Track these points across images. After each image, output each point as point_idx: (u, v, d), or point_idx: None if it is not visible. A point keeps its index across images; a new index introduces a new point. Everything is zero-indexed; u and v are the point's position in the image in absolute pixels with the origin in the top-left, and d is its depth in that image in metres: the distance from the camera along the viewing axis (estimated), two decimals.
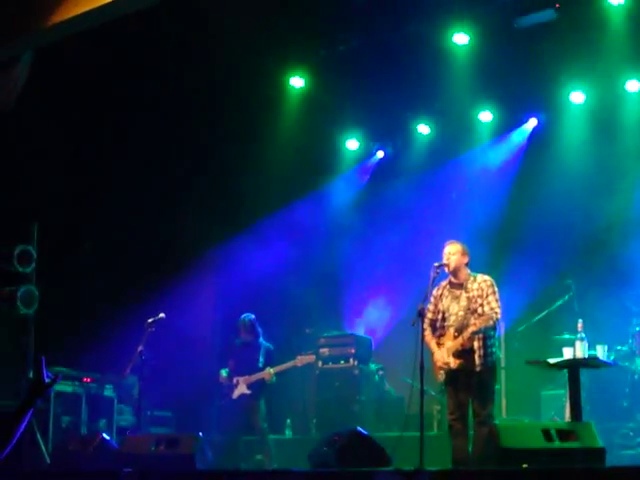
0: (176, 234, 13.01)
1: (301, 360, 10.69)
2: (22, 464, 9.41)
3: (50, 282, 10.64)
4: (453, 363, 8.20)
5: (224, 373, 10.79)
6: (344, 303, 13.84)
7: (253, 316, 10.88)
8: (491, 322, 8.14)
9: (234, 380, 10.67)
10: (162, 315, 10.09)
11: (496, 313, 8.20)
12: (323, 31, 11.58)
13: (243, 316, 10.89)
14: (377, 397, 12.26)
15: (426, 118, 13.56)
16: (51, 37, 9.67)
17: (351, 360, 12.16)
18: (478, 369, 8.15)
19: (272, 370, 10.57)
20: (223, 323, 13.20)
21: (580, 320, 8.92)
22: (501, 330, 11.22)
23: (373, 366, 12.41)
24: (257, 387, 10.61)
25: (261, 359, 10.70)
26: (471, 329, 8.12)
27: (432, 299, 8.50)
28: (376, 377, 12.36)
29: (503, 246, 12.22)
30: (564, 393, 10.30)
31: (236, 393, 10.63)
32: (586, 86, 12.31)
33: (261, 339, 10.86)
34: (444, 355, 8.25)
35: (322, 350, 12.34)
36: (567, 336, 10.57)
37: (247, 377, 10.61)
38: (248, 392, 10.58)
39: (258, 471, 8.86)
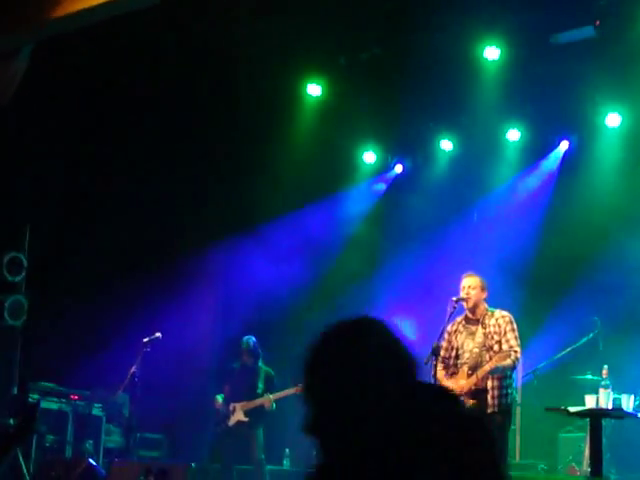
0: (176, 244, 12.83)
1: (303, 387, 10.45)
2: None
3: (40, 292, 10.49)
4: (465, 403, 7.99)
5: (220, 399, 10.57)
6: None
7: (254, 339, 10.69)
8: (509, 361, 7.94)
9: (230, 406, 10.46)
10: (158, 334, 9.99)
11: (515, 352, 8.00)
12: (344, 37, 11.35)
13: (245, 338, 10.69)
14: None
15: (450, 133, 13.32)
16: (52, 31, 9.49)
17: None
18: (490, 410, 7.95)
19: (272, 396, 10.37)
20: (222, 342, 13.01)
21: (605, 366, 8.71)
22: (519, 367, 10.99)
23: None
24: (255, 415, 10.40)
25: (260, 385, 10.50)
26: (486, 367, 7.93)
27: (446, 335, 8.31)
28: None
29: (525, 277, 11.99)
30: (583, 437, 10.11)
31: (232, 420, 10.41)
32: (623, 108, 12.07)
33: (261, 363, 10.66)
34: (453, 385, 8.04)
35: None
36: (590, 377, 10.35)
37: (245, 403, 10.40)
38: (245, 420, 10.37)
39: None
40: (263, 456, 10.43)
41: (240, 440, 10.39)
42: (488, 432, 2.65)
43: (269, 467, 10.66)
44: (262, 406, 10.38)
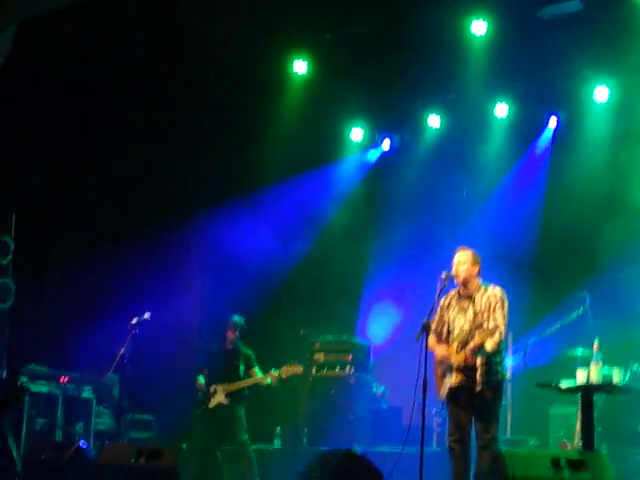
0: (164, 222, 12.92)
1: (286, 371, 10.42)
2: None
3: (27, 275, 10.56)
4: (454, 379, 8.09)
5: (201, 380, 10.58)
6: (345, 304, 13.66)
7: (242, 319, 10.71)
8: (492, 342, 7.93)
9: (211, 388, 10.48)
10: (147, 315, 10.01)
11: (500, 332, 7.98)
12: (330, 13, 11.41)
13: (235, 318, 10.67)
14: (374, 408, 12.17)
15: (437, 110, 13.46)
16: (36, 10, 9.59)
17: (347, 367, 12.02)
18: (479, 388, 7.99)
19: (275, 373, 10.39)
20: (211, 320, 13.11)
21: (596, 340, 8.82)
22: (509, 344, 11.13)
23: (376, 388, 12.31)
24: (236, 397, 10.43)
25: (242, 366, 10.51)
26: (470, 345, 7.98)
27: (438, 309, 8.36)
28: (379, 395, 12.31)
29: (514, 253, 12.12)
30: (574, 412, 10.22)
31: (213, 402, 10.43)
32: (611, 82, 12.20)
33: (241, 344, 10.67)
34: (445, 350, 8.13)
35: (317, 356, 12.18)
36: (581, 351, 10.49)
37: (226, 386, 10.40)
38: (226, 402, 10.40)
39: None
40: (246, 436, 10.45)
41: (221, 422, 10.42)
42: None
43: (259, 446, 10.76)
44: (244, 389, 10.43)
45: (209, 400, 10.47)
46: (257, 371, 10.56)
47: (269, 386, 10.50)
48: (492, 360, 8.05)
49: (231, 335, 10.64)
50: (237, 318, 10.68)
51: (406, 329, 11.53)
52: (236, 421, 10.42)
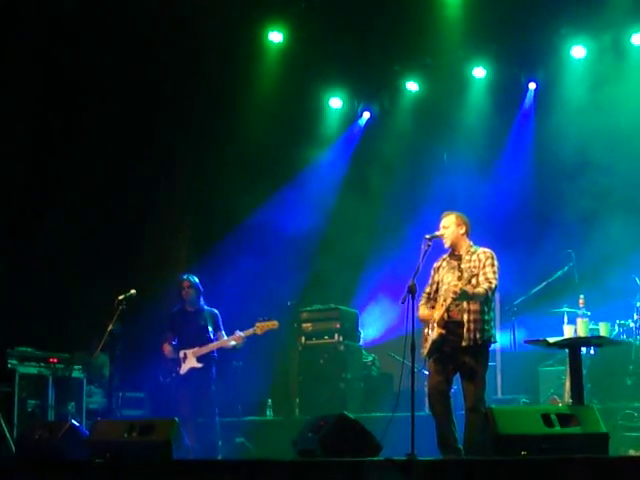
0: (149, 199, 12.95)
1: (261, 327, 10.07)
2: None
3: (12, 256, 10.55)
4: (435, 334, 8.10)
5: (169, 347, 10.24)
6: (331, 276, 13.71)
7: (196, 278, 10.37)
8: (479, 289, 8.03)
9: (180, 353, 10.17)
10: (133, 291, 9.93)
11: (490, 283, 8.03)
12: None
13: (185, 277, 10.34)
14: (364, 375, 12.27)
15: (415, 75, 13.49)
16: None
17: (336, 335, 12.10)
18: (464, 344, 8.01)
19: (242, 334, 10.03)
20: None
21: (582, 296, 8.90)
22: (496, 303, 11.21)
23: (366, 357, 12.41)
24: (207, 359, 10.14)
25: (210, 327, 10.22)
26: (452, 293, 8.02)
27: (431, 271, 8.46)
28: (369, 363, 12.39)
29: (498, 214, 12.21)
30: (564, 370, 10.33)
31: (184, 368, 10.11)
32: (588, 40, 12.27)
33: (203, 303, 10.36)
34: (427, 312, 8.21)
35: (305, 325, 12.28)
36: (567, 309, 10.59)
37: (197, 349, 10.10)
38: (199, 365, 10.09)
39: (238, 461, 8.73)
40: (216, 409, 10.22)
41: (196, 386, 10.09)
42: None
43: (252, 417, 10.72)
44: (214, 351, 10.16)
45: (179, 367, 10.19)
46: (223, 334, 10.28)
47: (234, 348, 10.17)
48: (479, 317, 8.08)
49: (185, 294, 10.29)
50: (188, 276, 10.36)
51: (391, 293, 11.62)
52: (208, 387, 10.12)
